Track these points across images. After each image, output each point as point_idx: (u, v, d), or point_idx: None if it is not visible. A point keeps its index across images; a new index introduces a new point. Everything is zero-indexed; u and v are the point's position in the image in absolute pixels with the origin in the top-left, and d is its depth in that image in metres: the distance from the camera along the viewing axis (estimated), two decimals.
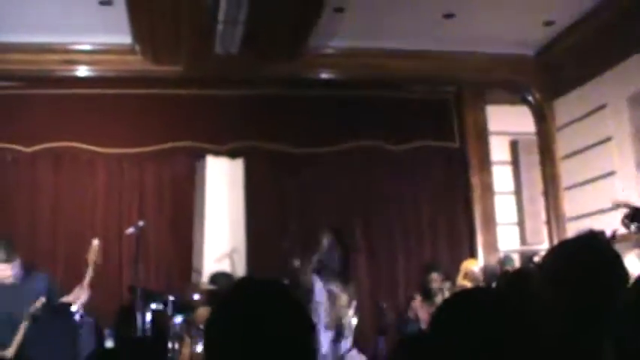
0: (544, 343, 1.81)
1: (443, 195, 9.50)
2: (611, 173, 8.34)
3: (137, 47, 8.43)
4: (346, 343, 7.40)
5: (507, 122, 9.68)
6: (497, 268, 8.26)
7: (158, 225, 8.66)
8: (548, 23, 8.63)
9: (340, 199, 9.09)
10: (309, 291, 7.37)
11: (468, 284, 7.68)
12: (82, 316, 5.96)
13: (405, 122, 9.41)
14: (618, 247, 4.99)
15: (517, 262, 8.69)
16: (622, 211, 6.73)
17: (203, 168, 9.18)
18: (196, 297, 7.54)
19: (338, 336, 7.31)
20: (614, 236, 6.67)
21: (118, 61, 8.60)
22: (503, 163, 9.64)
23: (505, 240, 9.38)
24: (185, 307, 7.29)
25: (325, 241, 7.78)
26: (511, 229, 9.48)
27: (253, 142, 9.12)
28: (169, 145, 8.92)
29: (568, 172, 9.27)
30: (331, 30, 8.33)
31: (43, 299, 5.70)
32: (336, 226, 8.14)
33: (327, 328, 7.20)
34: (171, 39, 7.92)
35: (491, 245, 9.32)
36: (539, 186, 9.55)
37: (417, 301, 7.94)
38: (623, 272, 2.22)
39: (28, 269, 5.99)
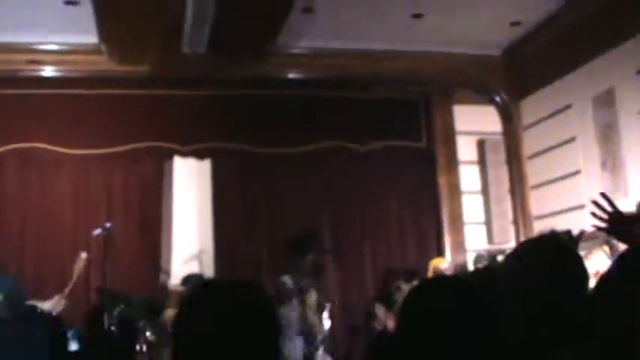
0: (507, 341, 1.84)
1: (411, 195, 9.53)
2: (576, 172, 8.42)
3: (103, 47, 8.34)
4: (318, 347, 7.28)
5: (474, 122, 9.74)
6: (467, 266, 8.30)
7: (126, 226, 8.60)
8: (515, 24, 8.70)
9: (308, 200, 9.09)
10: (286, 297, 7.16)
11: None
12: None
13: (374, 122, 9.43)
14: (587, 244, 5.06)
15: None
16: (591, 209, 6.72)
17: (171, 169, 9.12)
18: (165, 298, 7.49)
19: (310, 341, 7.18)
20: (582, 234, 6.70)
21: (84, 61, 8.51)
22: (470, 162, 9.70)
23: (473, 239, 9.44)
24: (153, 308, 7.24)
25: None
26: (478, 228, 9.54)
27: (221, 142, 9.10)
28: (137, 145, 8.85)
29: (534, 171, 9.35)
30: (299, 30, 8.31)
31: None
32: (310, 228, 8.06)
33: (297, 333, 7.08)
34: (138, 39, 7.86)
35: (459, 245, 9.38)
36: (506, 185, 9.62)
37: (382, 311, 7.73)
38: (583, 272, 2.24)
39: None
